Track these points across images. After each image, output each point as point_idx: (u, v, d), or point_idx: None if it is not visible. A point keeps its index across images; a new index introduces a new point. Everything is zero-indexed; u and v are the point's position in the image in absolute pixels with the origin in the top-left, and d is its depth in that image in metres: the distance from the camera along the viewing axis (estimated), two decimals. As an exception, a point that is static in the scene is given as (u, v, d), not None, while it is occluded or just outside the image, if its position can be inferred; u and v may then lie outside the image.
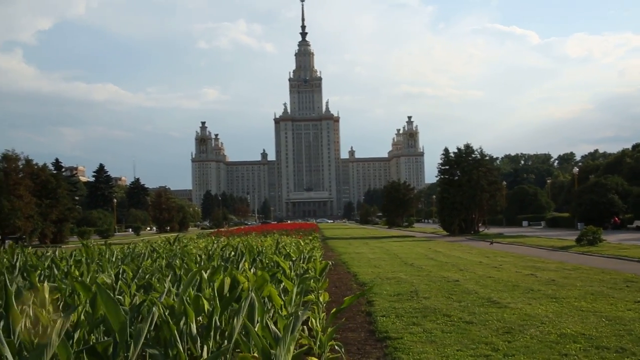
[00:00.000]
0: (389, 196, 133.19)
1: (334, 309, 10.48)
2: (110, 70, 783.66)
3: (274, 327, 6.95)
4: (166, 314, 7.45)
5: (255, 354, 6.63)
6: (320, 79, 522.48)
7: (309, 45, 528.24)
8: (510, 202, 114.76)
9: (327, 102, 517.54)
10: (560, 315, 13.99)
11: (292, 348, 5.97)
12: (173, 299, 8.33)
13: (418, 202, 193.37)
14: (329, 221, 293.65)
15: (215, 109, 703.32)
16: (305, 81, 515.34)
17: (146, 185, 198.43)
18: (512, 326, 12.83)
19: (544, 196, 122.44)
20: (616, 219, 77.77)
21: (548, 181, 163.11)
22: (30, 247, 38.12)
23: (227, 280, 9.27)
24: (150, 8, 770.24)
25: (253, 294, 7.16)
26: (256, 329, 7.57)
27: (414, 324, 13.39)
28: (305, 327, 10.74)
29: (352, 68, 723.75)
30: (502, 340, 11.53)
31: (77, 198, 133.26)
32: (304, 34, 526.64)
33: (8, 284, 6.20)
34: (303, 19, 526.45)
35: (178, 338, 6.92)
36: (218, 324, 8.18)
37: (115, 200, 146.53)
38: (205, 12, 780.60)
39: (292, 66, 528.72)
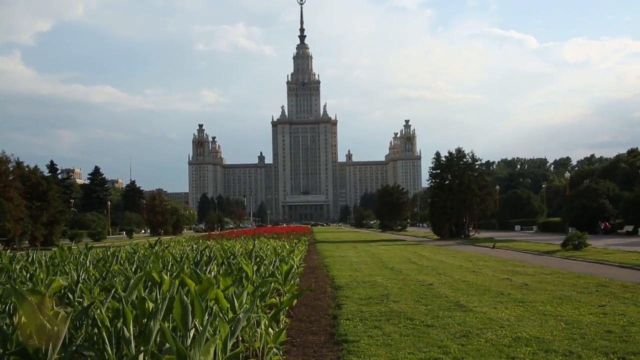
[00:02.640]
0: (382, 200, 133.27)
1: (273, 311, 10.58)
2: (108, 73, 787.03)
3: (200, 327, 7.06)
4: (103, 316, 7.58)
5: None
6: (318, 82, 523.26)
7: (308, 49, 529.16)
8: (503, 206, 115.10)
9: (324, 106, 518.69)
10: (522, 319, 14.12)
11: (212, 350, 6.08)
12: (122, 302, 8.45)
13: (413, 206, 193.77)
14: (320, 224, 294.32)
15: (213, 112, 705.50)
16: (303, 84, 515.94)
17: (143, 188, 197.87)
18: (470, 330, 12.95)
19: (537, 201, 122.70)
20: (607, 223, 77.93)
21: (543, 186, 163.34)
22: (17, 250, 38.23)
23: (175, 284, 9.38)
24: (148, 10, 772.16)
25: (179, 296, 7.25)
26: (191, 333, 7.72)
27: (375, 327, 13.50)
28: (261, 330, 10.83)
29: (351, 71, 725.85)
30: (457, 343, 11.65)
31: (72, 201, 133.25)
32: (302, 37, 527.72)
33: None
34: (302, 22, 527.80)
35: (107, 340, 7.03)
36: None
37: (109, 203, 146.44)
38: (204, 15, 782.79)
39: (291, 69, 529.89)
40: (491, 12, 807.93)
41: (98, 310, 8.01)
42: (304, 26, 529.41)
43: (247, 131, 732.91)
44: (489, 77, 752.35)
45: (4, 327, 7.51)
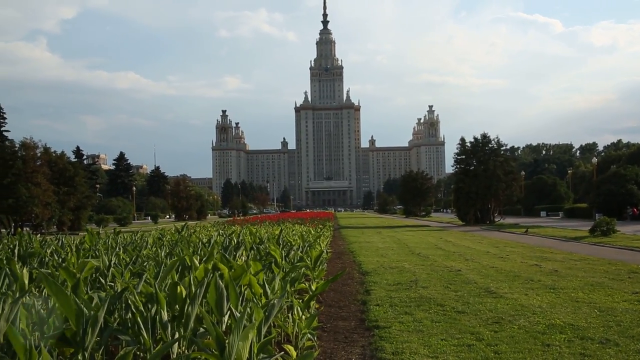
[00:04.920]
0: (406, 186, 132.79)
1: (307, 296, 10.53)
2: (132, 59, 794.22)
3: (237, 313, 7.01)
4: (137, 301, 7.57)
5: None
6: (341, 67, 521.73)
7: (330, 34, 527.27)
8: (528, 192, 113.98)
9: (348, 91, 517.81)
10: (554, 306, 13.93)
11: (250, 335, 6.02)
12: (155, 287, 8.44)
13: (437, 192, 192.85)
14: (341, 210, 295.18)
15: (236, 98, 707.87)
16: (326, 70, 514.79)
17: (167, 174, 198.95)
18: (502, 316, 12.80)
19: (563, 186, 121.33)
20: (635, 209, 76.84)
21: (569, 171, 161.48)
22: (45, 235, 38.70)
23: (209, 269, 9.37)
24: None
25: (214, 281, 7.22)
26: (226, 318, 7.69)
27: (405, 313, 13.40)
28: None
29: (374, 57, 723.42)
30: (489, 330, 11.51)
31: (97, 186, 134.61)
32: (325, 23, 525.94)
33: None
34: (325, 7, 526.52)
35: (142, 325, 7.02)
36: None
37: (134, 189, 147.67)
38: (226, 1, 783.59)
39: (314, 55, 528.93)
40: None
41: (132, 295, 8.01)
42: (327, 11, 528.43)
43: (270, 117, 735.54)
44: (513, 62, 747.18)
45: (41, 310, 7.53)
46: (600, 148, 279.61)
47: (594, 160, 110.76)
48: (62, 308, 6.17)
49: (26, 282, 8.54)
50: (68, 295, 6.24)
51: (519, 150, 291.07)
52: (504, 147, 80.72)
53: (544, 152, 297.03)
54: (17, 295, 8.29)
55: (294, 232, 28.93)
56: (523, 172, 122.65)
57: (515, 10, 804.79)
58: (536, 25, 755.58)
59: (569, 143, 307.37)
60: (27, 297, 8.49)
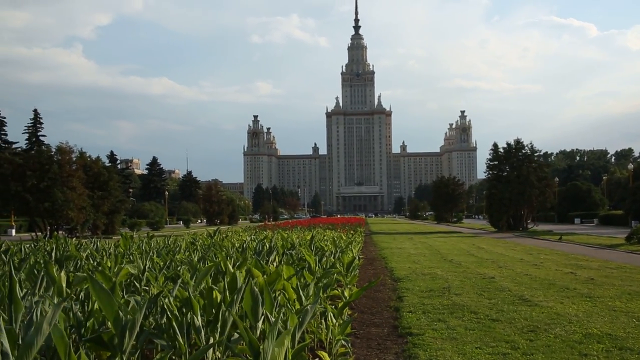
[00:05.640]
0: (438, 191, 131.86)
1: (341, 303, 10.50)
2: (165, 65, 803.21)
3: (272, 319, 7.02)
4: (172, 305, 7.63)
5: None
6: (372, 72, 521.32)
7: (362, 39, 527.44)
8: (562, 198, 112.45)
9: (379, 96, 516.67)
10: (591, 315, 13.71)
11: (286, 342, 6.02)
12: (189, 292, 8.49)
13: (468, 198, 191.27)
14: (372, 215, 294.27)
15: (267, 103, 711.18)
16: (357, 75, 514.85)
17: (199, 178, 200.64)
18: (538, 325, 12.63)
19: (597, 193, 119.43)
20: (672, 217, 75.36)
21: (604, 178, 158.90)
22: (80, 238, 39.26)
23: (242, 274, 9.39)
24: (205, 3, 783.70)
25: (250, 287, 7.23)
26: (260, 323, 7.70)
27: (439, 321, 13.30)
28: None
29: (405, 62, 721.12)
30: (525, 339, 11.37)
31: (130, 190, 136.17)
32: (357, 28, 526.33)
33: (14, 274, 6.38)
34: (356, 13, 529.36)
35: (177, 330, 7.06)
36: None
37: (167, 193, 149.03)
38: (258, 7, 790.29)
39: (345, 60, 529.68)
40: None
41: (167, 299, 8.06)
42: (359, 17, 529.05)
43: (302, 122, 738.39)
44: (547, 67, 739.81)
45: (78, 313, 7.62)
46: (637, 154, 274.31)
47: (630, 166, 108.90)
48: (105, 310, 6.24)
49: (64, 285, 8.65)
50: (111, 297, 6.31)
51: (553, 156, 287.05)
52: (537, 153, 79.87)
53: (577, 158, 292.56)
54: (54, 298, 8.43)
55: (325, 237, 28.91)
56: (557, 179, 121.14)
57: (549, 14, 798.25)
58: (570, 29, 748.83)
59: (604, 149, 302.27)
60: (66, 301, 8.61)
